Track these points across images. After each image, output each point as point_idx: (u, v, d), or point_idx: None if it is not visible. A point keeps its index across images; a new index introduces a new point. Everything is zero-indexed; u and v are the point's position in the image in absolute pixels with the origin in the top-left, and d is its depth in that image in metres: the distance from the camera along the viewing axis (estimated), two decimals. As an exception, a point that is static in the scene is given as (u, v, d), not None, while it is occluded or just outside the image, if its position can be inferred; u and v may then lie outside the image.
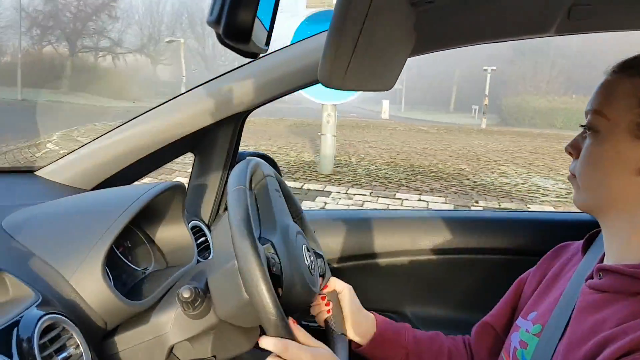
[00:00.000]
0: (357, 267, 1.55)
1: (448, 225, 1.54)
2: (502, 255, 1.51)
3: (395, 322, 1.07)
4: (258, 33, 0.68)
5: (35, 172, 1.37)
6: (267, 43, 0.72)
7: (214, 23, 0.47)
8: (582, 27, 1.08)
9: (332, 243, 1.50)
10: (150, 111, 1.36)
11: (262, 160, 1.45)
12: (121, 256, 1.02)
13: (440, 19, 1.13)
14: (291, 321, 0.80)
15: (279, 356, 0.77)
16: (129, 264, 1.03)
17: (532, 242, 1.51)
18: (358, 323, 1.03)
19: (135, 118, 1.36)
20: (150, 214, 1.12)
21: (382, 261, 1.55)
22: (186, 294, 0.82)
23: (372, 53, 1.03)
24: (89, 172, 1.33)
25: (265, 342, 0.77)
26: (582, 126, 0.82)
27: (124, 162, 1.34)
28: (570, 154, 0.84)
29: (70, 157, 1.37)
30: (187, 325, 0.87)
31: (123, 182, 1.36)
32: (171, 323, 0.88)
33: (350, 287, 1.05)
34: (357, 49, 0.99)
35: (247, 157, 0.96)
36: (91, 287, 0.83)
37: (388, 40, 1.07)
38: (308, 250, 0.97)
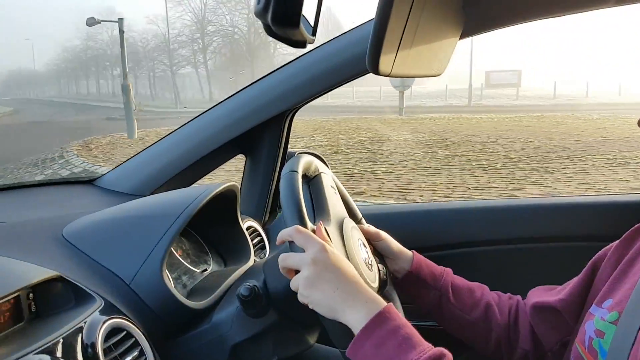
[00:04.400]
0: None
1: (506, 215, 1.48)
2: (568, 243, 1.44)
3: (437, 265, 1.09)
4: (304, 25, 0.67)
5: (93, 182, 1.42)
6: (314, 33, 0.70)
7: (262, 12, 0.46)
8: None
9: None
10: (200, 116, 1.38)
11: (315, 157, 1.45)
12: (180, 258, 1.03)
13: None
14: (320, 224, 0.82)
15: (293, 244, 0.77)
16: (188, 265, 1.03)
17: (601, 227, 1.42)
18: (394, 259, 1.06)
19: (186, 123, 1.38)
20: (206, 216, 1.12)
21: (436, 254, 1.50)
22: (246, 293, 0.81)
23: (421, 37, 1.00)
24: (145, 179, 1.36)
25: (283, 233, 0.79)
26: None
27: (178, 167, 1.36)
28: None
29: (126, 166, 1.41)
30: (248, 324, 0.86)
31: (179, 186, 1.38)
32: (232, 322, 0.87)
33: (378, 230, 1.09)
34: (405, 35, 0.96)
35: (299, 154, 0.95)
36: (152, 290, 0.84)
37: (437, 23, 1.04)
38: (364, 245, 0.95)
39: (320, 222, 0.84)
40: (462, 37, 1.11)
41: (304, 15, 0.71)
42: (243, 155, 1.47)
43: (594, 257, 0.95)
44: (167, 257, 0.87)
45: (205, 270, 1.07)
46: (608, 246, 0.93)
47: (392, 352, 0.68)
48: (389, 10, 0.85)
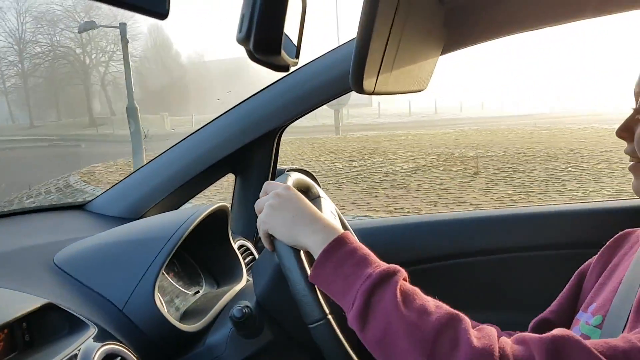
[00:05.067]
0: (408, 274, 1.51)
1: (494, 225, 1.50)
2: (556, 251, 1.45)
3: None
4: (287, 46, 0.68)
5: (84, 207, 1.41)
6: (297, 56, 0.72)
7: (244, 40, 0.47)
8: (622, 5, 1.04)
9: (378, 252, 1.47)
10: (189, 137, 1.38)
11: (305, 174, 1.46)
12: (172, 281, 1.03)
13: (470, 13, 1.10)
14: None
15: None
16: (180, 288, 1.04)
17: (588, 234, 1.44)
18: None
19: (175, 145, 1.39)
20: (198, 237, 1.13)
21: (427, 266, 1.51)
22: (238, 314, 0.82)
23: (403, 54, 1.01)
24: (136, 202, 1.36)
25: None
26: (634, 109, 0.79)
27: (168, 189, 1.36)
28: (623, 137, 0.80)
29: (116, 189, 1.41)
30: (242, 345, 0.87)
31: (169, 208, 1.39)
32: (226, 344, 0.88)
33: None
34: (387, 51, 0.97)
35: (288, 171, 0.96)
36: (145, 314, 0.84)
37: (418, 40, 1.06)
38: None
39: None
40: (443, 53, 1.14)
41: (288, 37, 0.73)
42: (233, 175, 1.48)
43: (579, 268, 0.96)
44: (158, 281, 0.87)
45: (198, 292, 1.07)
46: (591, 258, 0.95)
47: (349, 270, 0.71)
48: (371, 30, 0.86)
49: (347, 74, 0.86)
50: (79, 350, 0.70)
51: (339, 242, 0.73)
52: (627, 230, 0.93)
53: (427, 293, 1.14)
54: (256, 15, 0.46)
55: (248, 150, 1.37)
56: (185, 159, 1.36)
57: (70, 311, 0.77)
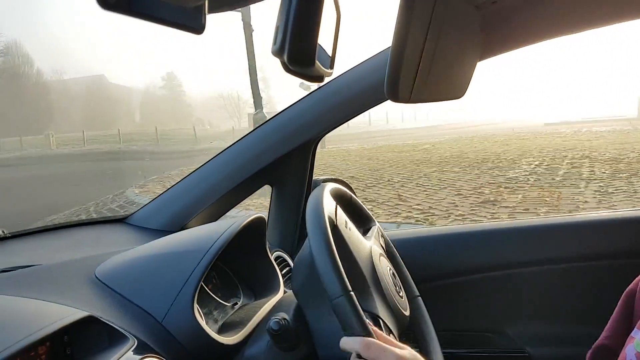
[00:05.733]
0: (444, 287, 1.48)
1: (538, 235, 1.45)
2: (601, 261, 1.40)
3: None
4: (322, 57, 0.68)
5: (125, 220, 1.44)
6: (332, 66, 0.71)
7: (278, 52, 0.47)
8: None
9: (415, 263, 1.44)
10: (226, 150, 1.40)
11: (341, 184, 1.45)
12: (211, 293, 1.03)
13: (508, 18, 1.08)
14: (373, 328, 0.76)
15: (360, 356, 0.72)
16: (219, 300, 1.04)
17: (634, 243, 1.38)
18: None
19: (213, 158, 1.41)
20: (235, 249, 1.13)
21: (470, 278, 1.47)
22: (275, 327, 0.81)
23: (440, 62, 1.00)
24: (176, 215, 1.38)
25: (346, 342, 0.73)
26: None
27: (207, 202, 1.38)
28: None
29: (156, 203, 1.43)
30: (280, 357, 0.86)
31: (208, 220, 1.40)
32: (264, 357, 0.87)
33: None
34: (423, 59, 0.96)
35: (323, 181, 0.95)
36: (184, 327, 0.85)
37: (455, 46, 1.04)
38: (394, 274, 0.94)
39: (373, 326, 0.78)
40: (481, 59, 1.11)
41: (322, 47, 0.72)
42: (269, 186, 1.49)
43: (627, 289, 0.92)
44: (197, 293, 0.87)
45: (236, 304, 1.07)
46: (638, 276, 0.91)
47: None
48: (406, 37, 0.85)
49: (383, 82, 0.85)
50: None
51: None
52: None
53: (464, 307, 1.10)
54: (290, 27, 0.46)
55: (284, 161, 1.37)
56: (223, 171, 1.37)
57: (110, 324, 0.78)
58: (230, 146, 1.40)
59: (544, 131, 17.47)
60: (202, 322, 0.86)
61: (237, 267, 1.16)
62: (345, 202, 1.01)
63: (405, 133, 24.18)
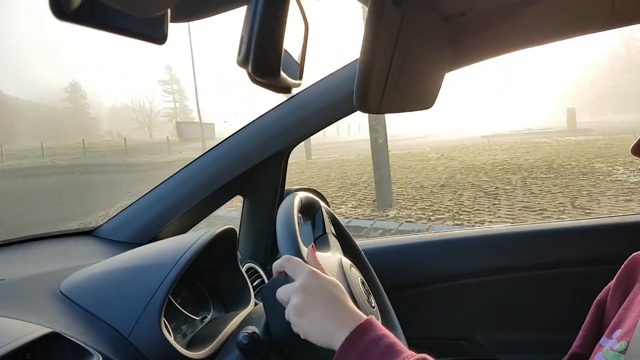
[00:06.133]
0: (415, 295, 1.48)
1: (509, 242, 1.47)
2: (572, 268, 1.42)
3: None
4: (290, 67, 0.67)
5: (93, 233, 1.41)
6: (300, 77, 0.71)
7: (243, 62, 0.46)
8: (629, 18, 1.02)
9: (386, 272, 1.44)
10: (196, 160, 1.38)
11: (314, 193, 1.44)
12: (179, 307, 1.01)
13: (476, 30, 1.09)
14: (312, 248, 0.81)
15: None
16: (188, 314, 1.02)
17: (603, 250, 1.41)
18: None
19: (183, 169, 1.39)
20: (204, 261, 1.11)
21: (442, 286, 1.48)
22: (245, 341, 0.80)
23: (408, 72, 1.00)
24: (145, 227, 1.35)
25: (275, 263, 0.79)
26: None
27: (177, 213, 1.36)
28: (638, 156, 0.78)
29: (125, 214, 1.40)
30: None
31: (179, 232, 1.38)
32: None
33: None
34: (392, 70, 0.96)
35: (296, 191, 0.95)
36: (150, 342, 0.82)
37: (424, 58, 1.05)
38: (364, 284, 0.93)
39: (313, 244, 0.84)
40: (450, 69, 1.13)
41: (289, 58, 0.72)
42: (241, 197, 1.47)
43: (596, 298, 0.94)
44: (164, 307, 0.85)
45: (205, 317, 1.05)
46: (608, 285, 0.92)
47: None
48: (374, 49, 0.86)
49: (353, 93, 0.85)
50: None
51: (362, 330, 0.69)
52: (637, 253, 0.90)
53: (436, 315, 1.11)
54: (254, 38, 0.45)
55: (256, 171, 1.36)
56: (193, 182, 1.36)
57: (74, 340, 0.75)
58: (200, 156, 1.39)
59: (494, 142, 17.51)
60: (170, 337, 0.84)
61: (207, 280, 1.14)
62: (315, 211, 1.01)
63: (351, 144, 24.05)
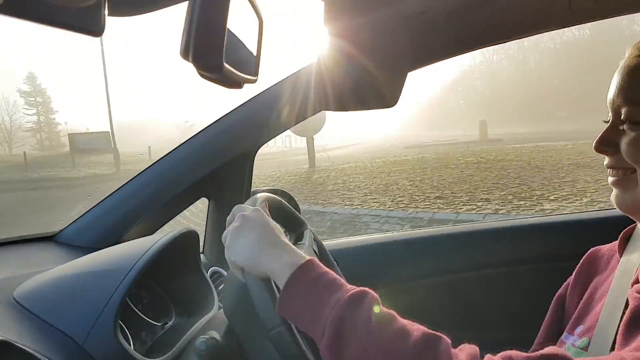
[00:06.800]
0: (382, 295, 1.48)
1: (466, 240, 1.48)
2: (533, 265, 1.44)
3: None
4: (244, 63, 0.66)
5: (53, 239, 1.36)
6: (256, 73, 0.70)
7: (184, 54, 0.45)
8: (585, 16, 1.04)
9: (352, 273, 1.42)
10: (158, 161, 1.35)
11: (280, 193, 1.42)
12: (139, 313, 0.99)
13: (437, 29, 1.10)
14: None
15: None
16: (148, 319, 0.99)
17: (562, 246, 1.43)
18: None
19: (145, 170, 1.35)
20: (166, 265, 1.09)
21: (406, 286, 1.48)
22: (202, 347, 0.77)
23: (369, 71, 1.00)
24: (106, 231, 1.31)
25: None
26: (605, 121, 0.78)
27: (140, 215, 1.32)
28: (602, 152, 0.78)
29: (85, 218, 1.36)
30: None
31: (142, 235, 1.34)
32: None
33: None
34: (353, 69, 0.96)
35: (262, 192, 0.93)
36: (106, 350, 0.80)
37: (385, 56, 1.04)
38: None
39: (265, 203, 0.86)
40: (412, 68, 1.13)
41: (247, 53, 0.71)
42: (206, 199, 1.45)
43: (556, 294, 0.94)
44: (120, 314, 0.82)
45: (167, 323, 1.03)
46: (567, 280, 0.93)
47: (316, 298, 0.67)
48: (335, 47, 0.85)
49: (318, 93, 0.84)
50: None
51: (304, 269, 0.69)
52: (593, 248, 0.91)
53: (405, 313, 1.11)
54: (194, 31, 0.44)
55: (221, 173, 1.34)
56: (155, 185, 1.32)
57: (26, 349, 0.72)
58: (164, 157, 1.35)
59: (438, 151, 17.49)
60: (125, 343, 0.81)
61: (169, 285, 1.11)
62: (275, 208, 1.00)
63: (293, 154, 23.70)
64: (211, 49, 0.45)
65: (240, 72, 0.57)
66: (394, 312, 0.69)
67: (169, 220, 1.40)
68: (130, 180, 1.35)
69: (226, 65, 0.47)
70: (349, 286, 0.69)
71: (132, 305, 0.98)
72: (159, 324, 1.01)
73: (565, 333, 0.84)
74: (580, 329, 0.81)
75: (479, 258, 1.45)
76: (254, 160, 1.40)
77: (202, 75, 0.51)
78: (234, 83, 0.54)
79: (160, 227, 1.40)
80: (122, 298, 0.83)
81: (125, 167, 20.10)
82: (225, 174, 1.36)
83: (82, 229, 1.35)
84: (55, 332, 0.81)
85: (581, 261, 0.91)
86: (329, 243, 1.49)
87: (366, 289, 0.69)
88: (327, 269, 0.71)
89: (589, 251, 0.91)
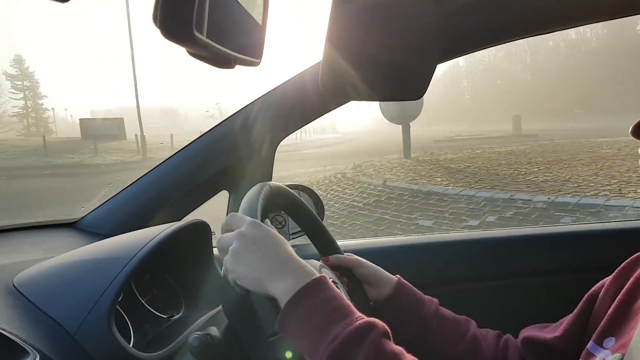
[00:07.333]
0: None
1: (495, 247, 1.38)
2: (563, 276, 1.34)
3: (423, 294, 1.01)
4: (250, 45, 0.61)
5: (74, 225, 1.36)
6: (260, 54, 0.65)
7: (153, 18, 0.40)
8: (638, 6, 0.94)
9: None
10: (180, 151, 1.32)
11: (302, 189, 1.37)
12: (146, 304, 0.96)
13: (470, 18, 1.02)
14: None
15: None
16: (154, 312, 0.96)
17: (597, 256, 1.32)
18: (376, 285, 0.98)
19: (166, 160, 1.33)
20: (178, 257, 1.06)
21: (430, 292, 1.39)
22: (194, 343, 0.73)
23: (398, 60, 0.95)
24: (126, 220, 1.30)
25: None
26: None
27: (158, 206, 1.30)
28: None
29: (106, 206, 1.35)
30: None
31: None
32: None
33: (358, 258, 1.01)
34: (382, 58, 0.92)
35: (261, 184, 0.88)
36: (98, 341, 0.76)
37: (414, 45, 0.99)
38: (339, 285, 0.86)
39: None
40: (441, 60, 1.05)
41: (252, 32, 0.65)
42: (227, 192, 1.41)
43: (589, 291, 0.87)
44: (115, 304, 0.79)
45: (173, 316, 0.99)
46: (604, 279, 0.85)
47: (317, 326, 0.62)
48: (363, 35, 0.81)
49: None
50: None
51: (309, 291, 0.64)
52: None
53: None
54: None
55: (242, 165, 1.30)
56: (175, 175, 1.30)
57: (11, 336, 0.70)
58: (186, 146, 1.33)
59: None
60: (119, 336, 0.78)
61: (181, 277, 1.08)
62: (288, 204, 0.95)
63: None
64: (180, 15, 0.40)
65: (232, 50, 0.52)
66: (402, 349, 0.63)
67: (190, 211, 1.37)
68: (152, 169, 1.33)
69: (203, 38, 0.42)
70: (356, 315, 0.63)
71: (138, 296, 0.95)
72: (165, 316, 0.98)
73: (592, 343, 0.77)
74: (611, 342, 0.74)
75: (514, 265, 1.36)
76: (275, 152, 1.35)
77: (191, 54, 0.47)
78: (223, 61, 0.49)
79: (181, 218, 1.38)
80: (119, 288, 0.79)
81: (150, 155, 19.92)
82: (247, 167, 1.32)
83: (102, 216, 1.34)
84: (47, 320, 0.78)
85: (623, 264, 0.83)
86: (350, 243, 1.42)
87: (375, 320, 0.63)
88: (335, 292, 0.65)
89: (636, 255, 0.83)
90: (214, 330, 0.77)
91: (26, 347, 0.70)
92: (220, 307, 1.00)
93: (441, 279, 1.35)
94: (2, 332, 0.70)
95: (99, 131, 24.85)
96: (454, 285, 1.35)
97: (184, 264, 1.07)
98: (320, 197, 1.43)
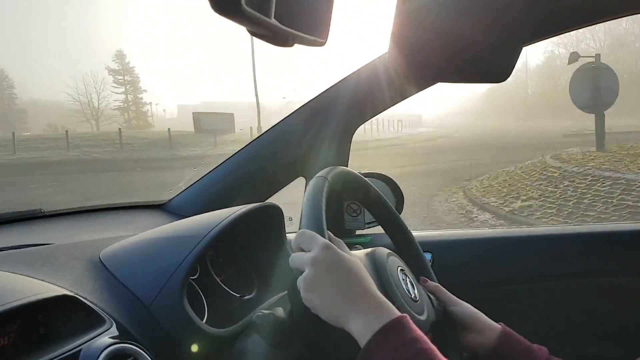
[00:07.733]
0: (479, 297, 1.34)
1: (594, 243, 1.28)
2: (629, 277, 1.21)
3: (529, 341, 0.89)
4: (311, 24, 0.61)
5: (163, 207, 1.44)
6: (325, 35, 0.64)
7: None
8: None
9: (448, 267, 1.28)
10: (259, 138, 1.36)
11: (381, 179, 1.35)
12: (221, 283, 0.99)
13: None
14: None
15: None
16: (229, 290, 0.99)
17: None
18: (476, 332, 0.87)
19: (245, 147, 1.37)
20: (254, 239, 1.08)
21: (503, 289, 1.31)
22: (258, 321, 0.74)
23: (482, 42, 0.92)
24: (207, 203, 1.35)
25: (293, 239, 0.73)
26: None
27: (236, 192, 1.34)
28: None
29: (191, 190, 1.42)
30: (267, 355, 0.79)
31: None
32: (251, 352, 0.81)
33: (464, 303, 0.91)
34: (466, 39, 0.89)
35: (326, 170, 0.87)
36: (170, 313, 0.80)
37: (498, 26, 0.95)
38: (406, 275, 0.84)
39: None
40: (527, 43, 0.99)
41: (318, 11, 0.65)
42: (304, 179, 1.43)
43: None
44: (187, 280, 0.83)
45: (245, 295, 1.02)
46: None
47: None
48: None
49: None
50: (84, 346, 0.67)
51: (388, 332, 0.61)
52: None
53: (501, 319, 0.96)
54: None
55: (318, 151, 1.31)
56: (253, 162, 1.34)
57: (91, 305, 0.75)
58: (263, 133, 1.36)
59: None
60: (191, 310, 0.81)
61: (256, 259, 1.11)
62: (357, 192, 0.93)
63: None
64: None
65: (291, 28, 0.51)
66: None
67: (267, 197, 1.40)
68: (231, 156, 1.38)
69: (254, 12, 0.42)
70: (439, 359, 0.60)
71: (213, 274, 0.99)
72: (238, 295, 1.01)
73: None
74: None
75: (589, 264, 1.25)
76: (351, 139, 1.35)
77: (251, 33, 0.47)
78: (279, 37, 0.49)
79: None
80: (191, 264, 0.83)
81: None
82: (322, 154, 1.33)
83: (186, 199, 1.40)
84: (126, 293, 0.83)
85: None
86: (423, 234, 1.38)
87: None
88: (417, 333, 0.62)
89: None
90: (280, 311, 0.78)
91: (104, 316, 0.74)
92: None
93: (536, 275, 1.27)
94: (83, 300, 0.75)
95: (212, 125, 25.73)
96: (541, 281, 1.27)
97: (258, 246, 1.09)
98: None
